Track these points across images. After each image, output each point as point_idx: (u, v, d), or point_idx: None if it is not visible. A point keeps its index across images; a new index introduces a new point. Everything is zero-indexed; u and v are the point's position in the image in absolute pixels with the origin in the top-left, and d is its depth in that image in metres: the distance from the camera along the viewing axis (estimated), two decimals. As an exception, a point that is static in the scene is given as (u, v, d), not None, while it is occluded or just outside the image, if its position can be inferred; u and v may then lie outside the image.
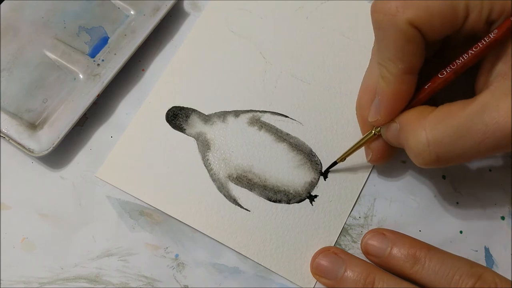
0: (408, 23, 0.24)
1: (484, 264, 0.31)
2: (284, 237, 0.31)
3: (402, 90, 0.26)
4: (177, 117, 0.33)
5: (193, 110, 0.33)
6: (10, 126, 0.31)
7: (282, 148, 0.33)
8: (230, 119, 0.33)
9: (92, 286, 0.30)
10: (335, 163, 0.31)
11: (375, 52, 0.28)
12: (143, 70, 0.35)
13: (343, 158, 0.31)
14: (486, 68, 0.25)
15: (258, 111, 0.33)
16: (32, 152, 0.31)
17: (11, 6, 0.34)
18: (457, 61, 0.25)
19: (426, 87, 0.26)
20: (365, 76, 0.30)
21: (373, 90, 0.28)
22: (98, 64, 0.33)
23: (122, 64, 0.33)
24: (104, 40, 0.34)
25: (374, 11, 0.25)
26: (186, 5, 0.37)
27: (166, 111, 0.34)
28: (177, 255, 0.31)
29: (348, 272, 0.28)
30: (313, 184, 0.32)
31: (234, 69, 0.35)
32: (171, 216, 0.31)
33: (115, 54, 0.34)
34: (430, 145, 0.24)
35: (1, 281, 0.30)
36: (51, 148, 0.31)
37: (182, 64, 0.35)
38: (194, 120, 0.33)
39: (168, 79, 0.34)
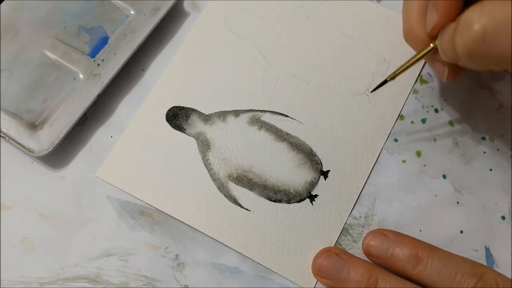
0: None
1: (485, 264, 0.31)
2: (284, 237, 0.31)
3: None
4: (177, 117, 0.33)
5: (193, 110, 0.33)
6: (10, 126, 0.31)
7: (282, 148, 0.33)
8: (230, 118, 0.33)
9: (92, 286, 0.30)
10: (385, 82, 0.29)
11: None
12: (143, 70, 0.35)
13: (394, 76, 0.29)
14: None
15: (258, 110, 0.33)
16: (32, 152, 0.31)
17: (11, 6, 0.34)
18: None
19: None
20: (404, 2, 0.29)
21: (419, 6, 0.27)
22: (98, 64, 0.33)
23: (122, 64, 0.33)
24: (104, 40, 0.34)
25: None
26: (186, 5, 0.37)
27: (166, 111, 0.33)
28: (177, 255, 0.31)
29: (351, 273, 0.28)
30: (313, 184, 0.32)
31: (234, 69, 0.35)
32: (171, 216, 0.31)
33: (115, 54, 0.34)
34: (481, 18, 0.22)
35: (1, 281, 0.30)
36: (51, 148, 0.31)
37: (182, 64, 0.35)
38: (194, 120, 0.33)
39: (168, 79, 0.34)
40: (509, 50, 0.22)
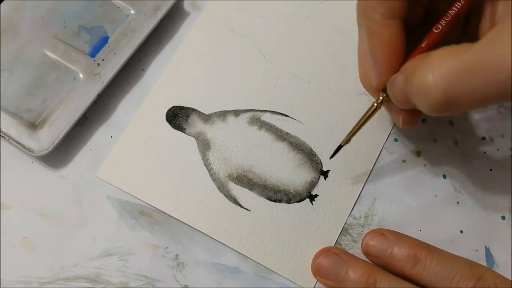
0: None
1: (485, 264, 0.31)
2: (284, 237, 0.31)
3: (391, 36, 0.25)
4: (177, 116, 0.33)
5: (193, 110, 0.33)
6: (10, 126, 0.31)
7: (282, 148, 0.33)
8: (230, 118, 0.33)
9: (92, 286, 0.30)
10: (340, 147, 0.30)
11: (358, 16, 0.28)
12: (143, 69, 0.35)
13: (348, 140, 0.30)
14: (487, 14, 0.24)
15: (258, 110, 0.33)
16: (32, 151, 0.31)
17: (11, 6, 0.34)
18: (450, 12, 0.25)
19: (423, 45, 0.26)
20: (358, 48, 0.29)
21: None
22: (98, 64, 0.33)
23: (122, 64, 0.33)
24: (104, 40, 0.34)
25: None
26: (186, 5, 0.37)
27: (166, 110, 0.33)
28: (177, 255, 0.31)
29: (350, 273, 0.28)
30: (313, 184, 0.32)
31: (234, 69, 0.35)
32: (171, 216, 0.31)
33: (115, 53, 0.34)
34: (436, 80, 0.22)
35: (1, 281, 0.30)
36: (51, 147, 0.31)
37: (182, 64, 0.35)
38: (194, 119, 0.33)
39: (168, 79, 0.34)
40: (477, 96, 0.22)
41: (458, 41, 0.25)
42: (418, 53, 0.26)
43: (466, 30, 0.27)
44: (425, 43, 0.25)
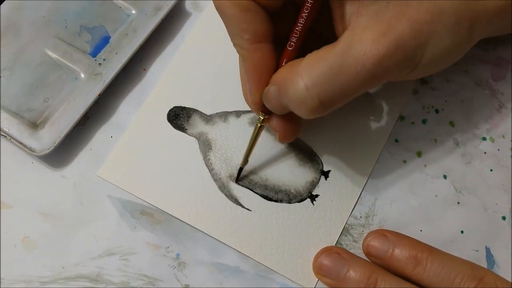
0: None
1: (485, 264, 0.31)
2: (285, 237, 0.31)
3: (260, 59, 0.27)
4: (178, 117, 0.33)
5: (195, 110, 0.33)
6: (12, 125, 0.31)
7: (283, 148, 0.33)
8: (232, 119, 0.33)
9: (93, 285, 0.30)
10: (241, 169, 0.31)
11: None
12: (144, 69, 0.35)
13: (245, 161, 0.31)
14: (338, 15, 0.26)
15: None
16: (33, 151, 0.31)
17: (12, 6, 0.34)
18: (297, 28, 0.26)
19: (283, 63, 0.27)
20: (239, 71, 0.30)
21: (243, 79, 0.29)
22: (100, 64, 0.33)
23: (123, 64, 0.33)
24: (106, 40, 0.34)
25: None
26: (188, 5, 0.37)
27: (167, 111, 0.34)
28: (178, 255, 0.31)
29: (351, 272, 0.28)
30: (314, 184, 0.32)
31: (236, 69, 0.34)
32: (172, 216, 0.31)
33: (116, 53, 0.34)
34: (308, 89, 0.24)
35: (2, 280, 0.30)
36: (52, 147, 0.31)
37: (183, 64, 0.35)
38: (196, 120, 0.33)
39: (169, 79, 0.34)
40: (346, 93, 0.25)
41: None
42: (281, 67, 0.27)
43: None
44: (284, 61, 0.27)
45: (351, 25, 0.25)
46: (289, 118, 0.28)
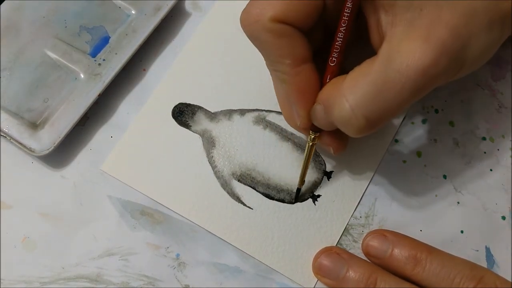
0: (272, 21, 0.24)
1: (485, 264, 0.31)
2: (286, 236, 0.31)
3: (303, 81, 0.26)
4: (183, 113, 0.33)
5: (199, 107, 0.34)
6: (11, 126, 0.31)
7: (286, 147, 0.33)
8: (236, 117, 0.33)
9: (93, 285, 0.30)
10: (299, 190, 0.31)
11: (267, 65, 0.28)
12: (144, 70, 0.35)
13: (302, 182, 0.31)
14: (373, 27, 0.25)
15: (264, 110, 0.33)
16: (33, 151, 0.31)
17: (12, 6, 0.34)
18: (336, 43, 0.26)
19: (326, 79, 0.26)
20: (276, 93, 0.29)
21: (284, 100, 0.29)
22: (99, 64, 0.33)
23: (123, 64, 0.33)
24: (105, 40, 0.34)
25: (243, 26, 0.26)
26: (187, 5, 0.37)
27: (172, 107, 0.34)
28: (178, 255, 0.31)
29: (350, 272, 0.28)
30: (316, 184, 0.32)
31: (240, 68, 0.35)
32: (172, 216, 0.31)
33: (116, 53, 0.34)
34: (354, 109, 0.24)
35: (2, 281, 0.30)
36: (52, 147, 0.31)
37: (189, 61, 0.35)
38: (200, 117, 0.33)
39: (175, 76, 0.35)
40: (393, 109, 0.24)
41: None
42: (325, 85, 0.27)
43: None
44: (328, 77, 0.26)
45: (387, 36, 0.24)
46: (339, 131, 0.28)
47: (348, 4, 0.25)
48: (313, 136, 0.29)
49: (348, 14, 0.25)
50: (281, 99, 0.29)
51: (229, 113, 0.33)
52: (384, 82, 0.23)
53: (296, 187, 0.31)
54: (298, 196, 0.31)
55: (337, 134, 0.28)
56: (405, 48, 0.23)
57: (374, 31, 0.26)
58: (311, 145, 0.29)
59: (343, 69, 0.26)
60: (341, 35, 0.25)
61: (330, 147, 0.29)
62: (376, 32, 0.25)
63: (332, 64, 0.26)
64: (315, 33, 0.27)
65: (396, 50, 0.23)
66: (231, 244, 0.31)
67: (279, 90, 0.28)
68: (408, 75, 0.22)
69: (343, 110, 0.24)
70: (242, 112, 0.33)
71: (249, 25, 0.25)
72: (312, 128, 0.28)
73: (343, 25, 0.25)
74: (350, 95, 0.24)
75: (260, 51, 0.27)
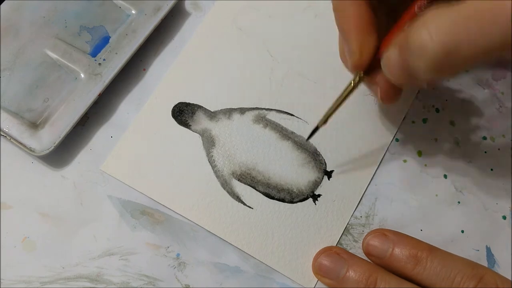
0: None
1: (486, 263, 0.31)
2: (286, 236, 0.31)
3: (357, 12, 0.25)
4: (183, 113, 0.33)
5: (199, 107, 0.34)
6: (12, 126, 0.31)
7: (286, 147, 0.33)
8: (236, 116, 0.33)
9: (93, 285, 0.30)
10: (317, 128, 0.29)
11: None
12: (144, 69, 0.35)
13: (325, 120, 0.29)
14: None
15: (264, 109, 0.33)
16: (33, 151, 0.31)
17: (12, 6, 0.34)
18: None
19: (404, 23, 0.25)
20: (339, 27, 0.28)
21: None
22: (99, 64, 0.33)
23: (123, 64, 0.33)
24: (105, 40, 0.34)
25: None
26: (187, 5, 0.37)
27: (172, 107, 0.34)
28: (178, 255, 0.31)
29: (350, 272, 0.28)
30: (316, 183, 0.32)
31: (241, 67, 0.35)
32: (172, 216, 0.31)
33: (116, 53, 0.34)
34: (432, 34, 0.22)
35: (2, 281, 0.30)
36: (52, 147, 0.31)
37: (189, 60, 0.35)
38: (200, 116, 0.33)
39: (174, 75, 0.35)
40: (475, 47, 0.21)
41: None
42: (401, 25, 0.25)
43: None
44: (406, 22, 0.25)
45: None
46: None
47: None
48: (359, 77, 0.27)
49: None
50: (339, 35, 0.28)
51: (228, 112, 0.33)
52: (475, 11, 0.21)
53: (298, 186, 0.31)
54: (312, 135, 0.30)
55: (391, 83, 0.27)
56: None
57: None
58: (354, 85, 0.27)
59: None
60: None
61: (380, 89, 0.28)
62: None
63: (418, 10, 0.24)
64: None
65: None
66: (231, 244, 0.31)
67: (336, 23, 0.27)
68: (502, 10, 0.20)
69: (421, 35, 0.22)
70: (242, 111, 0.33)
71: None
72: (364, 70, 0.27)
73: None
74: (432, 22, 0.22)
75: None
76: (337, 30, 0.32)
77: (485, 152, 0.33)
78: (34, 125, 0.32)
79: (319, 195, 0.32)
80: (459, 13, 0.21)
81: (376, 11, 0.26)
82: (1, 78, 0.33)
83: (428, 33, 0.22)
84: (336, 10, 0.26)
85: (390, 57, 0.25)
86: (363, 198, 0.32)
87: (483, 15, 0.21)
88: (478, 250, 0.31)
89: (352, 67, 0.27)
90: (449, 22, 0.22)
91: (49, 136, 0.31)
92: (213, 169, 0.32)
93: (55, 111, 0.32)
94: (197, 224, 0.31)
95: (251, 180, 0.32)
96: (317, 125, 0.29)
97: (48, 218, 0.31)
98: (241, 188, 0.32)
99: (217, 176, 0.32)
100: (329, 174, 0.32)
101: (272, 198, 0.32)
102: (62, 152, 0.32)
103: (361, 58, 0.26)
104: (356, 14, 0.26)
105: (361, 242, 0.31)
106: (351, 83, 0.27)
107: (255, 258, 0.30)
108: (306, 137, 0.30)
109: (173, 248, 0.31)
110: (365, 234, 0.31)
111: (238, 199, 0.31)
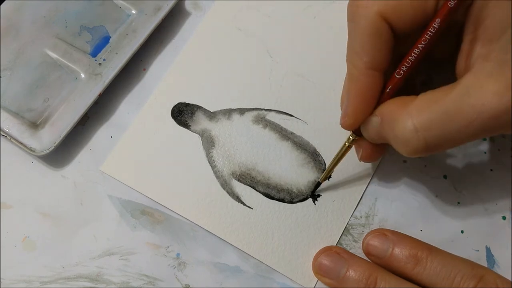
0: (378, 14, 0.24)
1: (486, 264, 0.31)
2: (286, 236, 0.31)
3: (366, 86, 0.26)
4: (182, 113, 0.33)
5: (199, 107, 0.34)
6: (12, 125, 0.31)
7: (286, 147, 0.33)
8: (235, 116, 0.33)
9: (93, 285, 0.30)
10: (319, 184, 0.31)
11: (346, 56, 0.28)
12: (144, 69, 0.35)
13: (326, 177, 0.31)
14: (465, 52, 0.25)
15: (263, 109, 0.33)
16: (34, 151, 0.31)
17: (12, 6, 0.34)
18: (409, 58, 0.25)
19: (387, 89, 0.26)
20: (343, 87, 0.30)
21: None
22: (100, 64, 0.33)
23: (123, 64, 0.33)
24: (106, 40, 0.34)
25: (349, 5, 0.26)
26: (188, 5, 0.37)
27: (171, 107, 0.34)
28: (178, 254, 0.31)
29: (350, 271, 0.28)
30: (316, 184, 0.32)
31: (240, 67, 0.35)
32: (172, 216, 0.31)
33: (116, 53, 0.34)
34: (418, 131, 0.24)
35: (2, 280, 0.30)
36: (53, 147, 0.31)
37: (188, 61, 0.35)
38: (199, 116, 0.33)
39: (174, 75, 0.35)
40: (454, 141, 0.24)
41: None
42: (385, 98, 0.26)
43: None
44: (388, 88, 0.26)
45: (475, 68, 0.23)
46: (379, 144, 0.28)
47: (434, 24, 0.24)
48: (352, 139, 0.29)
49: (432, 33, 0.24)
50: (342, 93, 0.29)
51: (228, 112, 0.33)
52: (455, 113, 0.23)
53: (297, 186, 0.31)
54: (315, 189, 0.31)
55: (376, 145, 0.29)
56: (488, 87, 0.22)
57: (462, 57, 0.25)
58: (348, 146, 0.29)
59: (414, 91, 0.26)
60: (417, 51, 0.25)
61: (362, 152, 0.30)
62: (464, 59, 0.25)
63: (398, 76, 0.26)
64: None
65: (479, 85, 0.22)
66: (231, 244, 0.31)
67: (344, 84, 0.28)
68: (480, 113, 0.22)
69: (406, 128, 0.24)
70: (242, 111, 0.33)
71: (355, 7, 0.25)
72: (356, 132, 0.28)
73: (423, 42, 0.25)
74: (417, 116, 0.24)
75: (349, 34, 0.26)
76: (336, 30, 0.32)
77: (485, 152, 0.33)
78: (34, 125, 0.32)
79: (319, 195, 0.32)
80: (443, 111, 0.23)
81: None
82: (2, 78, 0.33)
83: (413, 127, 0.24)
84: (351, 79, 0.26)
85: (372, 123, 0.27)
86: (363, 198, 0.32)
87: (464, 116, 0.23)
88: (478, 250, 0.31)
89: (343, 125, 0.28)
90: (433, 120, 0.23)
91: (49, 136, 0.31)
92: (213, 170, 0.32)
93: (55, 111, 0.32)
94: (197, 224, 0.31)
95: (251, 180, 0.32)
96: (319, 181, 0.31)
97: (48, 218, 0.31)
98: (241, 188, 0.32)
99: (217, 177, 0.32)
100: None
101: (272, 198, 0.32)
102: (62, 152, 0.32)
103: (353, 123, 0.27)
104: (367, 88, 0.26)
105: (361, 242, 0.31)
106: (345, 144, 0.29)
107: (255, 258, 0.31)
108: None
109: (173, 248, 0.31)
110: (365, 234, 0.31)
111: (238, 199, 0.31)
